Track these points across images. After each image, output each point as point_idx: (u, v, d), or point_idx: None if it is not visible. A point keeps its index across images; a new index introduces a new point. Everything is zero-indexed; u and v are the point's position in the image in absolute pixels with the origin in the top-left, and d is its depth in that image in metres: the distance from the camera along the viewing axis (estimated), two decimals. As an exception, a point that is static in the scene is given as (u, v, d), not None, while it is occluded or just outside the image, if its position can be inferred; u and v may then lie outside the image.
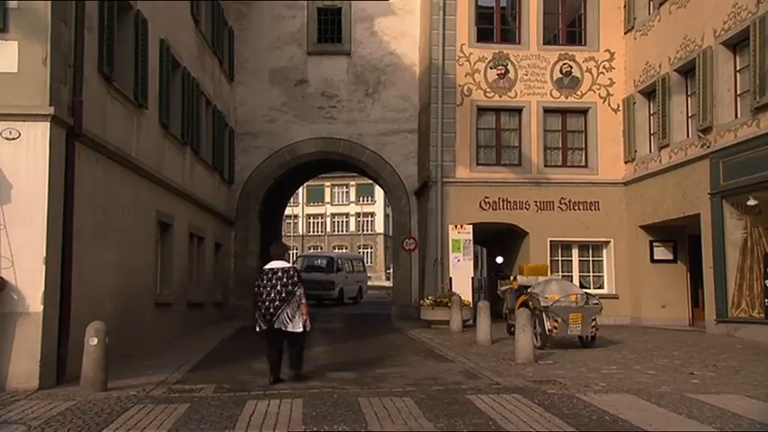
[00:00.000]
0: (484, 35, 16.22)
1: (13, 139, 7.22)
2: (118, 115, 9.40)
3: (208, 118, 14.64)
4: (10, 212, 7.14)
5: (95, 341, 6.83)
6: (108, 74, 8.85)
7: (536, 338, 9.68)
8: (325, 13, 17.85)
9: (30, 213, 7.16)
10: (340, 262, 26.42)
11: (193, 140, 13.15)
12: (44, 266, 7.14)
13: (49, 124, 7.32)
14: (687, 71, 13.35)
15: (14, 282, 7.07)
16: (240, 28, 17.57)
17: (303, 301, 7.48)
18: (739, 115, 11.77)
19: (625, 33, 15.80)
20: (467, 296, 14.06)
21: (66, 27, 7.72)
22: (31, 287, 7.09)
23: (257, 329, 7.54)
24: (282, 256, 7.88)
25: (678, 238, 14.88)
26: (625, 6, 15.78)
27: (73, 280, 7.64)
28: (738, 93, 11.90)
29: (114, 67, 9.08)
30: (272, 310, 7.36)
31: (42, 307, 7.09)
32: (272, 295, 7.39)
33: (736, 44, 11.85)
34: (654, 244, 15.05)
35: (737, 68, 11.94)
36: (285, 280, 7.43)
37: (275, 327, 7.38)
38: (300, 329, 7.45)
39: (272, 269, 7.55)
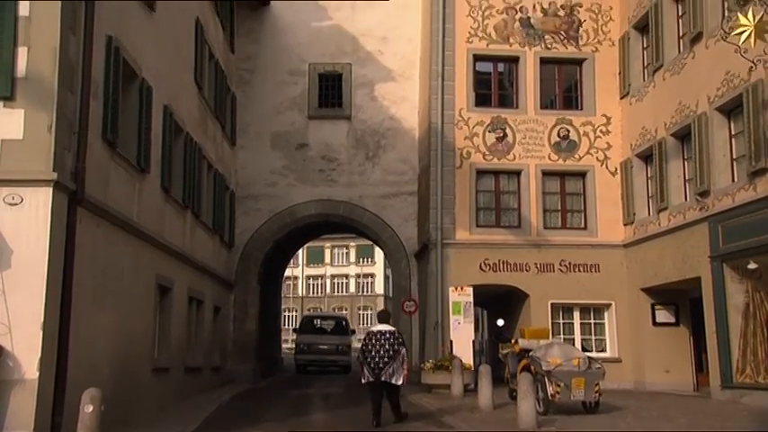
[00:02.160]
0: (482, 100, 16.51)
1: (16, 204, 7.26)
2: (120, 180, 9.48)
3: (209, 181, 14.76)
4: (9, 278, 7.12)
5: (91, 408, 6.70)
6: (112, 140, 8.97)
7: (538, 404, 9.52)
8: (326, 79, 18.22)
9: (29, 279, 7.15)
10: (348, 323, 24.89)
11: (194, 204, 13.22)
12: (41, 332, 7.08)
13: (51, 190, 7.37)
14: (683, 136, 13.54)
15: (11, 348, 6.99)
16: (243, 93, 17.91)
17: (406, 358, 9.03)
18: (736, 179, 11.89)
19: (621, 99, 16.09)
20: (468, 360, 13.89)
21: (71, 95, 7.87)
22: (28, 353, 7.01)
23: (363, 381, 8.98)
24: (388, 320, 9.52)
25: (680, 301, 14.81)
26: (620, 73, 16.11)
27: (70, 346, 7.56)
28: (734, 157, 12.05)
29: (118, 134, 9.20)
30: (381, 365, 8.81)
31: (38, 374, 7.00)
32: (381, 353, 8.85)
33: (731, 110, 12.06)
34: (655, 307, 14.97)
35: (732, 134, 12.13)
36: (392, 341, 8.94)
37: (381, 379, 8.81)
38: (401, 383, 8.96)
39: (379, 331, 9.06)
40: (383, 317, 9.64)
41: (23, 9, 7.44)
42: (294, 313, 51.17)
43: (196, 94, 13.50)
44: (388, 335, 8.97)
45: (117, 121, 9.14)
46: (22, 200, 7.28)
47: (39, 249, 7.23)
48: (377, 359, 8.81)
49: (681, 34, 13.85)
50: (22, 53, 7.41)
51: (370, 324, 52.79)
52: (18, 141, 7.34)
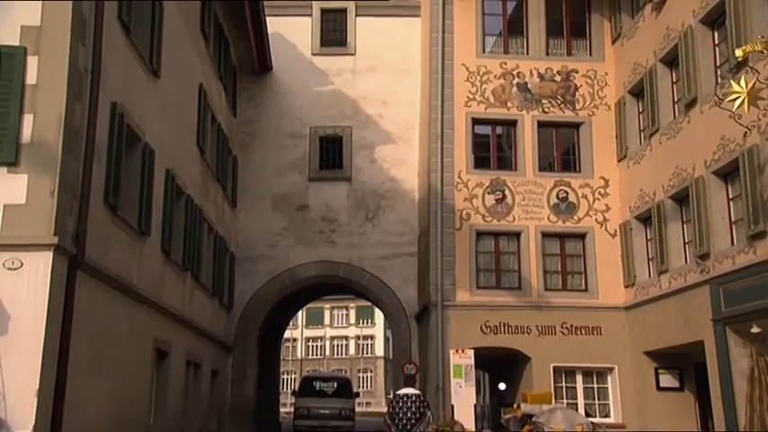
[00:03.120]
0: (481, 162, 16.66)
1: (16, 269, 7.27)
2: (120, 243, 9.51)
3: (209, 244, 14.79)
4: (6, 344, 7.08)
5: (83, 480, 6.57)
6: (113, 203, 9.04)
7: (542, 472, 9.31)
8: (327, 142, 18.45)
9: (26, 345, 7.10)
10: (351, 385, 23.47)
11: (194, 266, 13.22)
12: (36, 400, 6.98)
13: (52, 254, 7.41)
14: (681, 198, 13.62)
15: (4, 415, 6.89)
16: (244, 156, 18.11)
17: (431, 421, 9.85)
18: (736, 242, 11.90)
19: (618, 161, 16.25)
20: (470, 424, 13.59)
21: (75, 160, 7.98)
22: (21, 421, 6.90)
23: None
24: (413, 384, 10.48)
25: (684, 365, 14.62)
26: (617, 136, 16.32)
27: (65, 413, 7.45)
28: (733, 220, 12.08)
29: (120, 197, 9.28)
30: (408, 426, 9.43)
31: (31, 442, 6.88)
32: (408, 415, 9.49)
33: (727, 174, 12.16)
34: (659, 371, 14.75)
35: (730, 197, 12.19)
36: (418, 404, 9.59)
37: None
38: None
39: (405, 394, 9.73)
40: (409, 380, 10.68)
41: (31, 78, 7.62)
42: (293, 376, 50.42)
43: (198, 157, 13.66)
44: (414, 398, 9.67)
45: (119, 184, 9.24)
46: (22, 264, 7.29)
47: (37, 315, 7.20)
48: (404, 421, 9.45)
49: (676, 99, 14.07)
50: (27, 120, 7.56)
51: (371, 387, 52.02)
52: (20, 206, 7.40)
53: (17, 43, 7.63)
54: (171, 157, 11.67)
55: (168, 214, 11.49)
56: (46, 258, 7.35)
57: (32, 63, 7.67)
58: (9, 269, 7.26)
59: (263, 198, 17.98)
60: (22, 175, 7.43)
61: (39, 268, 7.32)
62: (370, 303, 23.67)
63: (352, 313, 54.22)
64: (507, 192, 16.30)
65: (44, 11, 7.75)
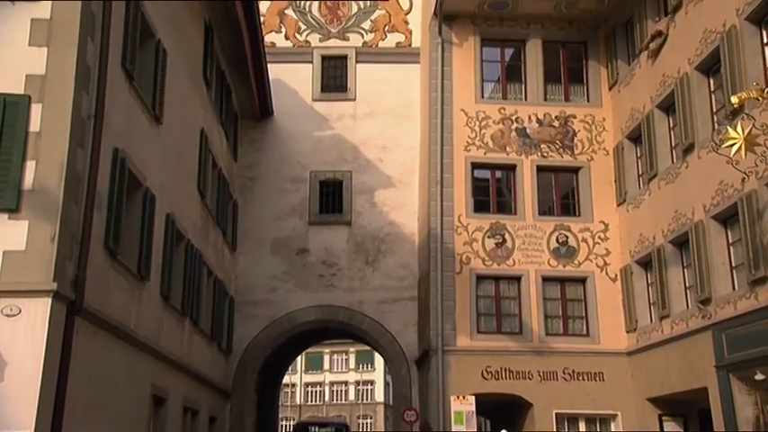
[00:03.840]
0: (481, 206, 16.70)
1: (14, 315, 7.23)
2: (120, 288, 9.47)
3: (209, 288, 14.73)
4: (2, 391, 6.99)
5: None
6: (113, 248, 9.03)
7: None
8: (327, 186, 18.53)
9: (22, 392, 7.02)
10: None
11: (193, 311, 13.14)
12: (30, 449, 6.87)
13: (50, 300, 7.37)
14: (681, 243, 13.61)
15: (-2, 465, 6.78)
16: (244, 200, 18.18)
17: None
18: (737, 287, 11.84)
19: (618, 206, 16.29)
20: (471, 473, 13.38)
21: (76, 206, 8.00)
22: (15, 471, 6.78)
23: None
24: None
25: (688, 412, 14.41)
26: (616, 181, 16.39)
27: (59, 463, 7.33)
28: (734, 265, 12.05)
29: (120, 242, 9.28)
30: None
31: (24, 494, 6.74)
32: None
33: (726, 219, 12.17)
34: (663, 418, 14.54)
35: (730, 242, 12.19)
36: None
37: None
38: None
39: None
40: (425, 430, 10.23)
41: (34, 125, 7.69)
42: (292, 422, 49.65)
43: (198, 202, 13.71)
44: None
45: (119, 230, 9.25)
46: (20, 311, 7.25)
47: (34, 362, 7.14)
48: None
49: (673, 145, 14.19)
50: (30, 167, 7.60)
51: (370, 433, 51.13)
52: (20, 252, 7.39)
53: (22, 91, 7.72)
54: (171, 202, 11.71)
55: (168, 259, 11.47)
56: (44, 305, 7.32)
57: (36, 111, 7.74)
58: (7, 316, 7.21)
59: (262, 242, 17.98)
60: (23, 222, 7.44)
61: (37, 315, 7.28)
62: (369, 348, 23.51)
63: (352, 358, 53.62)
64: (507, 236, 16.30)
65: (49, 60, 7.86)
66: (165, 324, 11.53)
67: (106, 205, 8.85)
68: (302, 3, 19.33)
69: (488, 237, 16.28)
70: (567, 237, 16.34)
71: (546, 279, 16.13)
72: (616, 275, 15.98)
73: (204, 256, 14.08)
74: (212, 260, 14.93)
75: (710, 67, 12.83)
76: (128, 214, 9.72)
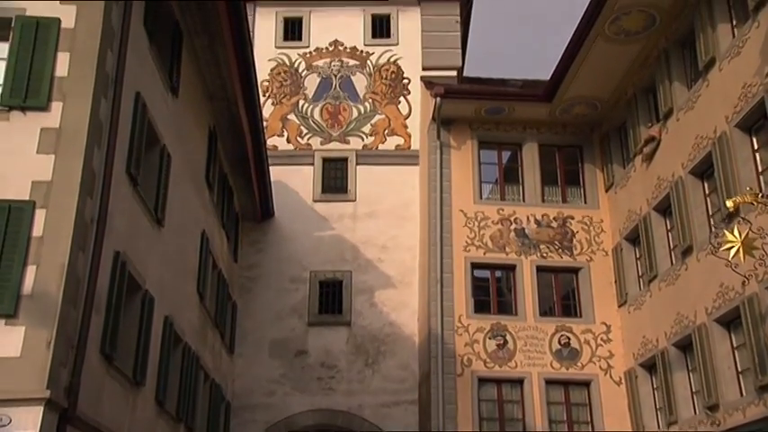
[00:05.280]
0: (481, 306, 16.59)
1: (4, 426, 7.04)
2: (114, 394, 9.27)
3: (205, 392, 14.40)
4: (-14, 506, 6.73)
5: None
6: (109, 353, 8.91)
7: None
8: (327, 286, 18.48)
9: (7, 508, 6.74)
10: None
11: (188, 417, 12.79)
12: None
13: (42, 408, 7.20)
14: (685, 346, 13.42)
15: None
16: (243, 301, 18.08)
17: None
18: (744, 393, 11.57)
19: (619, 307, 16.19)
20: None
21: (74, 310, 7.95)
22: None
23: None
24: None
25: None
26: (616, 282, 16.37)
27: None
28: (740, 370, 11.83)
29: (116, 347, 9.16)
30: None
31: None
32: None
33: (729, 322, 12.06)
34: None
35: (734, 345, 12.03)
36: None
37: None
38: None
39: None
40: None
41: (37, 230, 7.76)
42: None
43: (197, 304, 13.63)
44: None
45: (117, 334, 9.14)
46: (11, 420, 7.07)
47: (21, 475, 6.89)
48: None
49: (672, 247, 14.26)
50: (30, 271, 7.61)
51: None
52: (15, 359, 7.29)
53: (27, 197, 7.83)
54: (170, 304, 11.64)
55: (164, 363, 11.28)
56: (36, 414, 7.14)
57: (40, 216, 7.83)
58: (-4, 426, 7.04)
59: (261, 343, 17.75)
60: (20, 328, 7.37)
61: (28, 424, 7.09)
62: (369, 453, 22.73)
63: (351, 462, 51.73)
64: (508, 337, 16.11)
65: (56, 167, 8.01)
66: (158, 431, 11.20)
67: (104, 309, 8.80)
68: (304, 108, 19.93)
69: (489, 338, 16.10)
70: (569, 338, 16.15)
71: (549, 382, 15.80)
72: (620, 378, 15.67)
73: (201, 359, 13.85)
74: (209, 363, 14.68)
75: (704, 171, 13.07)
76: (126, 317, 9.64)
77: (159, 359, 11.08)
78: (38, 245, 7.73)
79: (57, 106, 8.26)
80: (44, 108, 8.21)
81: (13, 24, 8.48)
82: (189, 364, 12.82)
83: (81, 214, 8.09)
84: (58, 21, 8.52)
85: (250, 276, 18.47)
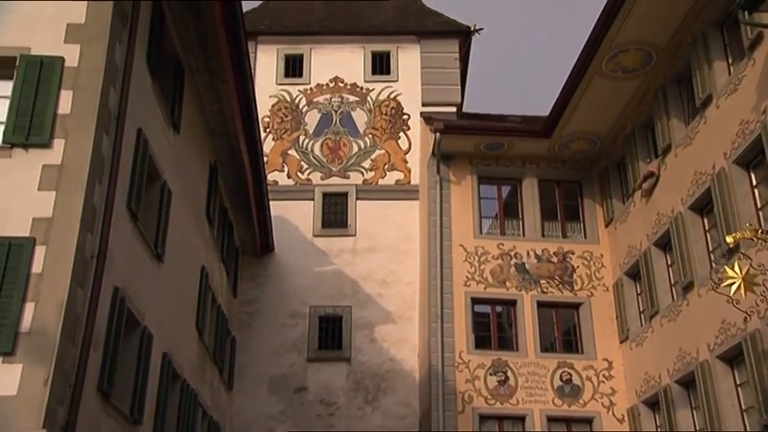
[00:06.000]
0: (482, 342, 16.50)
1: (-3, 466, 6.95)
2: (111, 432, 9.16)
3: (203, 430, 14.21)
4: None
5: None
6: (107, 390, 8.81)
7: None
8: (327, 321, 18.37)
9: None
10: None
11: (185, 456, 12.62)
12: None
13: (36, 448, 7.11)
14: (688, 383, 13.28)
15: None
16: (242, 336, 17.96)
17: None
18: (749, 432, 11.46)
19: (621, 343, 16.08)
20: None
21: (72, 347, 7.88)
22: None
23: None
24: None
25: None
26: (617, 317, 16.29)
27: None
28: (744, 408, 11.69)
29: (114, 384, 9.07)
30: None
31: None
32: None
33: (732, 358, 11.96)
34: None
35: (738, 383, 11.91)
36: None
37: None
38: None
39: None
40: None
41: (37, 267, 7.73)
42: None
43: (196, 340, 13.54)
44: None
45: (114, 371, 9.05)
46: (4, 460, 6.97)
47: None
48: None
49: (672, 282, 14.21)
50: (29, 308, 7.56)
51: None
52: (11, 397, 7.20)
53: (27, 234, 7.83)
54: (169, 341, 11.56)
55: (162, 400, 11.15)
56: (30, 454, 7.04)
57: (40, 252, 7.81)
58: (-10, 466, 6.93)
59: (260, 380, 17.58)
60: (17, 365, 7.30)
61: (22, 464, 6.99)
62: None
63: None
64: (509, 373, 15.98)
65: (57, 203, 8.02)
66: (155, 470, 11.03)
67: (103, 345, 8.73)
68: (304, 143, 20.06)
69: (490, 374, 15.97)
70: (570, 375, 16.02)
71: (551, 419, 15.64)
72: (623, 416, 15.50)
73: (200, 395, 13.71)
74: (208, 400, 14.52)
75: (704, 206, 13.09)
76: (124, 354, 9.56)
77: (157, 396, 10.95)
78: (37, 281, 7.70)
79: (59, 143, 8.29)
80: (46, 145, 8.24)
81: (17, 63, 8.57)
82: (187, 401, 12.68)
83: (81, 250, 8.07)
84: (62, 59, 8.61)
85: (249, 312, 18.38)
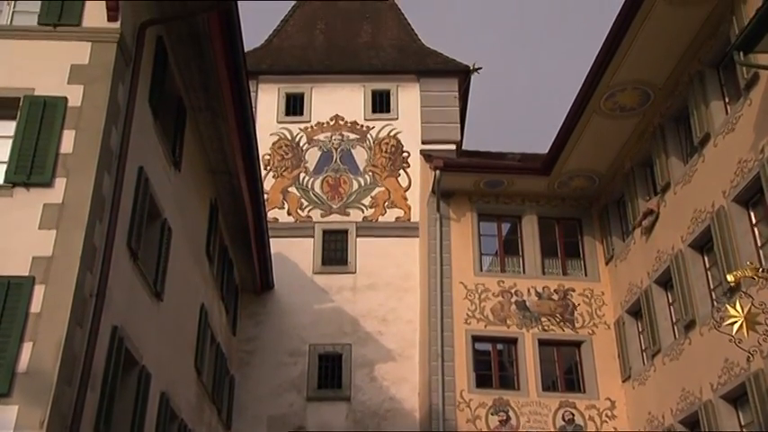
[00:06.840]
0: (483, 381, 16.34)
1: None
2: (106, 476, 9.00)
3: (200, 472, 14.02)
4: None
5: None
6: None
7: None
8: (326, 360, 18.22)
9: None
10: None
11: (182, 498, 12.40)
12: None
13: (31, 492, 6.99)
14: (692, 424, 13.09)
15: None
16: (241, 375, 17.79)
17: None
18: (756, 475, 11.26)
19: (623, 381, 15.92)
20: None
21: (69, 388, 7.81)
22: None
23: None
24: None
25: None
26: (619, 356, 16.16)
27: None
28: (749, 446, 11.57)
29: (111, 425, 8.95)
30: None
31: None
32: None
33: (736, 398, 11.82)
34: None
35: (742, 424, 11.71)
36: None
37: None
38: None
39: None
40: None
41: (35, 306, 7.70)
42: None
43: (194, 379, 13.40)
44: None
45: (112, 411, 8.95)
46: (-2, 505, 6.85)
47: None
48: None
49: (674, 320, 14.12)
50: (26, 348, 7.51)
51: None
52: (7, 439, 7.13)
53: (27, 273, 7.82)
54: (167, 380, 11.44)
55: (159, 441, 11.01)
56: (24, 499, 6.93)
57: (39, 291, 7.78)
58: None
59: (258, 420, 17.36)
60: (13, 407, 7.22)
61: None
62: None
63: None
64: (511, 413, 15.79)
65: (57, 242, 8.02)
66: None
67: (100, 386, 8.64)
68: (305, 181, 20.13)
69: (492, 414, 15.78)
70: (573, 414, 15.83)
71: (554, 461, 15.42)
72: (627, 458, 15.27)
73: (197, 436, 13.53)
74: (205, 440, 14.33)
75: (704, 244, 13.08)
76: (121, 394, 9.45)
77: (154, 437, 10.81)
78: (35, 321, 7.66)
79: (60, 182, 8.33)
80: (48, 184, 8.28)
81: (21, 104, 8.65)
82: (184, 441, 12.51)
83: (80, 289, 8.05)
84: (65, 99, 8.70)
85: (248, 350, 18.24)
